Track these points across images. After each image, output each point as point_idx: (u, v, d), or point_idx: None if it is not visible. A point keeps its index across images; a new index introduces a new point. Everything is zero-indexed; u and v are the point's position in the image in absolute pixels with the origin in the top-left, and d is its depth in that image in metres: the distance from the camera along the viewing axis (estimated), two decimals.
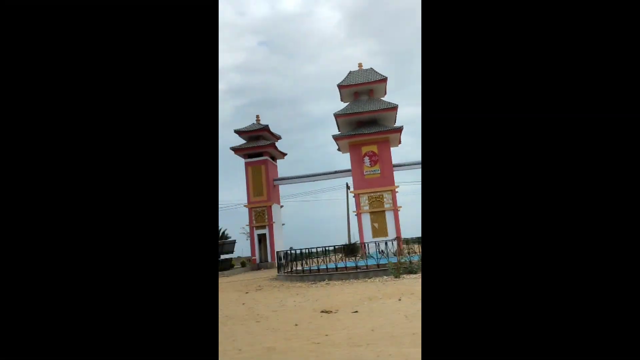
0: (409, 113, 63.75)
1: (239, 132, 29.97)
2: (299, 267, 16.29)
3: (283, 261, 17.08)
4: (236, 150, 29.70)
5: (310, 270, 15.08)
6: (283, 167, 32.36)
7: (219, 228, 48.42)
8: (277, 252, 18.45)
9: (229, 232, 47.97)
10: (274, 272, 22.07)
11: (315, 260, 17.71)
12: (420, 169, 12.59)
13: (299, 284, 13.57)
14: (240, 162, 30.19)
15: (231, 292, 13.43)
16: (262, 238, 29.37)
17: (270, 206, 29.15)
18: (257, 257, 29.03)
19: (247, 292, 12.77)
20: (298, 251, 17.10)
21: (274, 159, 31.36)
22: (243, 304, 10.20)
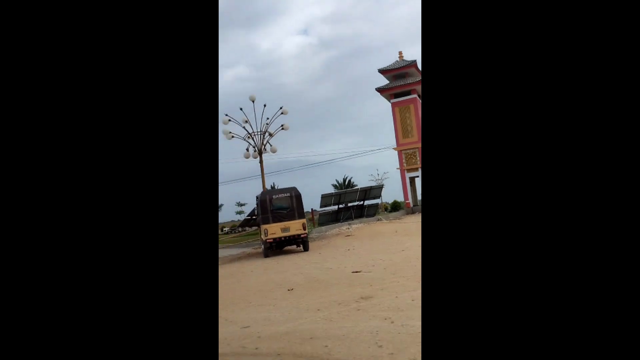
0: None
1: (382, 72, 28.47)
2: None
3: None
4: (382, 90, 28.34)
5: None
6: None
7: (344, 177, 48.93)
8: None
9: (355, 181, 48.03)
10: None
11: None
12: None
13: None
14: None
15: None
16: (412, 181, 28.23)
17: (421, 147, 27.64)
18: (410, 200, 28.02)
19: None
20: None
21: (420, 97, 29.55)
22: None
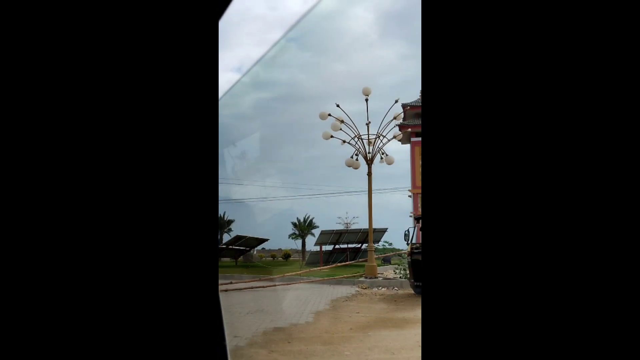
0: None
1: (404, 107, 26.81)
2: None
3: None
4: (402, 127, 26.56)
5: None
6: None
7: (305, 215, 44.88)
8: None
9: (316, 221, 44.28)
10: None
11: None
12: None
13: None
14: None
15: None
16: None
17: None
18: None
19: None
20: None
21: None
22: None
